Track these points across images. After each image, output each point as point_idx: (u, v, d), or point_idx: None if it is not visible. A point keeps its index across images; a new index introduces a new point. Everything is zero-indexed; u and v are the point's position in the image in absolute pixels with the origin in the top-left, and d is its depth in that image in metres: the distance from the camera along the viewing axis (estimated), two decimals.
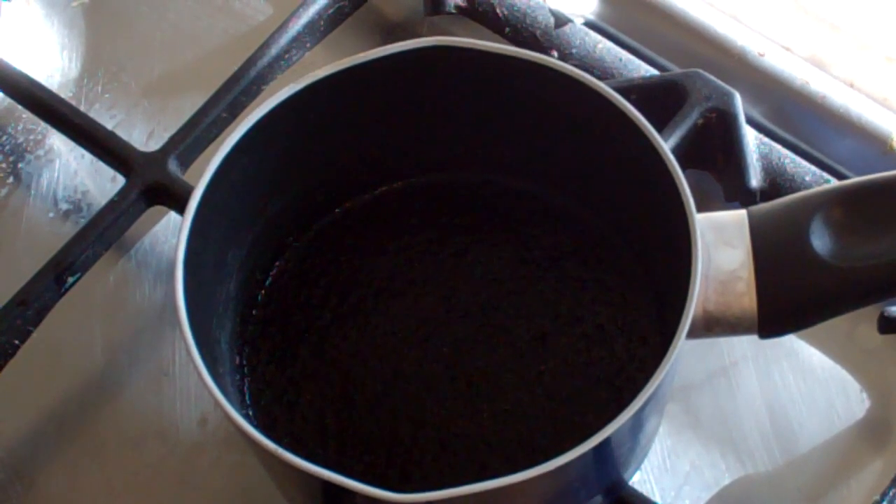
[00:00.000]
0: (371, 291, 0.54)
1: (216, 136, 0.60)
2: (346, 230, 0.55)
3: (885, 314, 0.54)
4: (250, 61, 0.61)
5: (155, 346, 0.58)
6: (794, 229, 0.47)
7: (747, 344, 0.56)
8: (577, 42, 0.61)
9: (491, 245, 0.54)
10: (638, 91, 0.57)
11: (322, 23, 0.63)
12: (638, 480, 0.53)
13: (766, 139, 0.58)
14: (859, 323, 0.56)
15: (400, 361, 0.52)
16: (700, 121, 0.57)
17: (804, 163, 0.58)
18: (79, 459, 0.56)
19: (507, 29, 0.62)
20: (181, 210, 0.49)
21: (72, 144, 0.62)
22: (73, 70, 0.66)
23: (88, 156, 0.61)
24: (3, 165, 0.64)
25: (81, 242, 0.56)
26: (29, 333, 0.55)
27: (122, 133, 0.61)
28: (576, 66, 0.52)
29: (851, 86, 0.61)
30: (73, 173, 0.63)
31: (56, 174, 0.63)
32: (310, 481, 0.43)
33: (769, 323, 0.47)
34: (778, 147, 0.58)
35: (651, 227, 0.50)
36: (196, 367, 0.44)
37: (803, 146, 0.60)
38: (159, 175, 0.58)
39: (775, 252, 0.47)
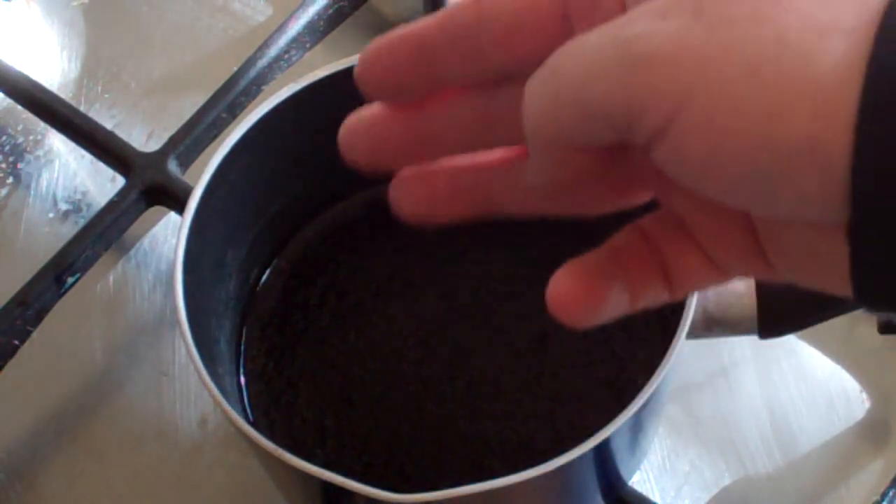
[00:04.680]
0: (370, 291, 0.54)
1: (216, 136, 0.60)
2: (346, 230, 0.55)
3: None
4: (250, 61, 0.61)
5: (155, 347, 0.58)
6: None
7: (747, 344, 0.56)
8: None
9: (491, 245, 0.54)
10: None
11: (322, 23, 0.63)
12: (638, 480, 0.53)
13: None
14: (859, 323, 0.56)
15: (399, 361, 0.52)
16: None
17: None
18: (79, 459, 0.56)
19: None
20: (181, 210, 0.49)
21: (72, 145, 0.62)
22: (73, 70, 0.67)
23: (88, 156, 0.61)
24: (3, 165, 0.64)
25: (81, 243, 0.56)
26: (29, 333, 0.55)
27: (121, 133, 0.61)
28: None
29: None
30: (72, 173, 0.63)
31: (56, 174, 0.63)
32: (309, 481, 0.42)
33: (769, 323, 0.47)
34: None
35: None
36: (196, 367, 0.44)
37: None
38: (159, 175, 0.58)
39: None
